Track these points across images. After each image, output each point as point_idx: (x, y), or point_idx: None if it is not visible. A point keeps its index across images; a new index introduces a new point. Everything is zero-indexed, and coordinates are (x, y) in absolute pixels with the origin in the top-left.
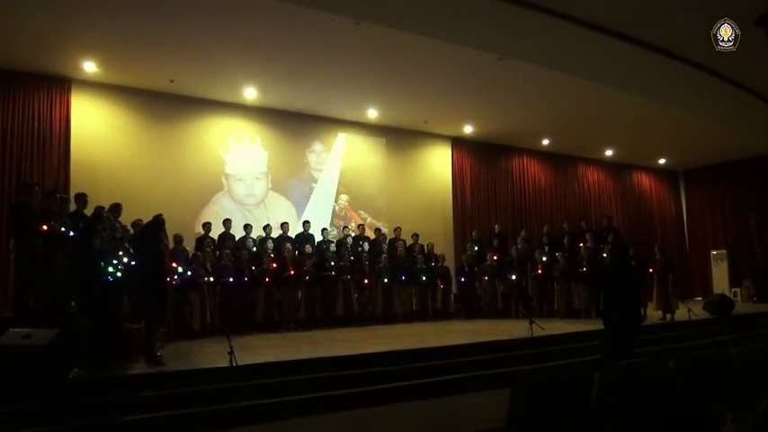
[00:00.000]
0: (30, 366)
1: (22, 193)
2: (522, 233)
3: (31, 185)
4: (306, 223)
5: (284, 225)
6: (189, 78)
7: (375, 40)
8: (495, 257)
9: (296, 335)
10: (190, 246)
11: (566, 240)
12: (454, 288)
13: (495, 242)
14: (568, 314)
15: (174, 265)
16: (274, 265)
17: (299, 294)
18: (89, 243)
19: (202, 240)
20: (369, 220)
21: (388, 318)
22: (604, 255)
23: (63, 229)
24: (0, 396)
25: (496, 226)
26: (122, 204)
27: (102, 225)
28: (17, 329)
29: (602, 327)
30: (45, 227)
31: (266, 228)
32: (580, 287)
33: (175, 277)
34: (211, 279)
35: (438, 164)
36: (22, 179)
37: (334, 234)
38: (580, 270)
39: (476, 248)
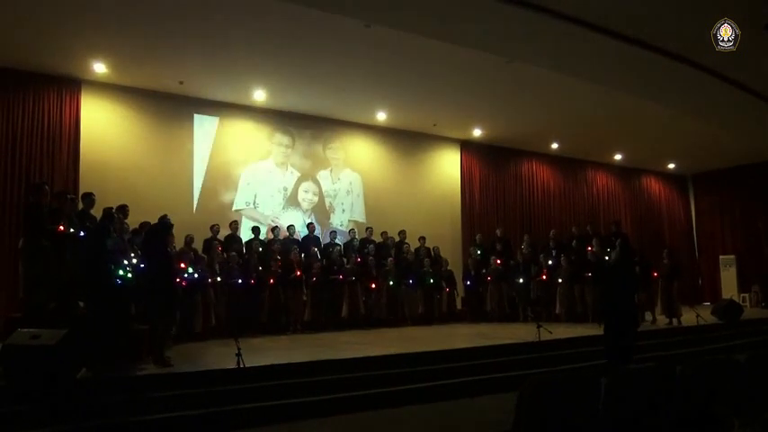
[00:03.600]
0: (38, 366)
1: (35, 193)
2: (526, 237)
3: (41, 185)
4: (310, 225)
5: (290, 227)
6: (198, 80)
7: (385, 43)
8: (499, 261)
9: (302, 337)
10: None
11: (573, 243)
12: (461, 291)
13: (499, 246)
14: (571, 318)
15: (182, 266)
16: (279, 264)
17: (306, 297)
18: (101, 244)
19: (210, 242)
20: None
21: (395, 321)
22: (606, 258)
23: (72, 229)
24: (8, 396)
25: (498, 230)
26: (131, 205)
27: (113, 226)
28: (25, 329)
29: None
30: (61, 227)
31: (274, 230)
32: (585, 291)
33: (185, 276)
34: (219, 279)
35: (447, 167)
36: (33, 179)
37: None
38: (585, 274)
39: (479, 252)
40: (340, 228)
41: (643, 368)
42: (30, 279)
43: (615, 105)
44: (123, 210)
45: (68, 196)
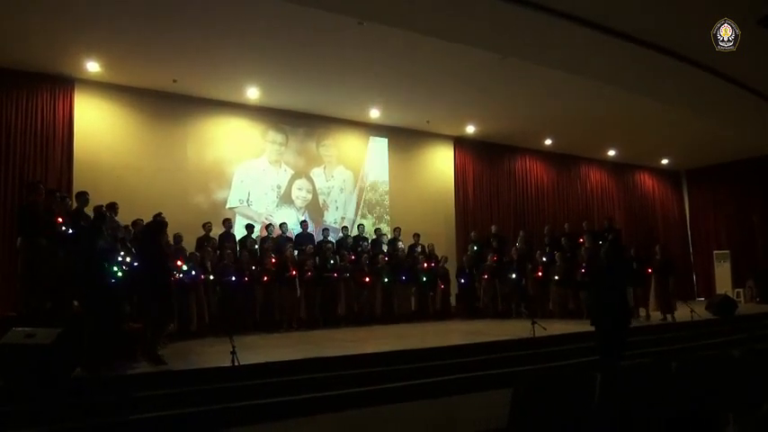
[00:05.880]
0: (33, 365)
1: (31, 192)
2: (521, 233)
3: (36, 184)
4: (303, 223)
5: (283, 225)
6: (192, 78)
7: (378, 39)
8: (495, 258)
9: (297, 334)
10: (190, 245)
11: (563, 241)
12: (456, 288)
13: (494, 243)
14: (564, 315)
15: (179, 263)
16: (273, 260)
17: (300, 294)
18: (93, 244)
19: (203, 240)
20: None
21: (388, 318)
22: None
23: (64, 228)
24: (3, 395)
25: (493, 227)
26: (125, 204)
27: (105, 226)
28: (20, 328)
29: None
30: (60, 219)
31: (268, 227)
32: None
33: (181, 275)
34: (211, 277)
35: (440, 164)
36: (26, 179)
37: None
38: (579, 271)
39: (475, 248)
40: (333, 225)
41: (638, 364)
42: (28, 278)
43: (608, 101)
44: (113, 207)
45: (58, 194)
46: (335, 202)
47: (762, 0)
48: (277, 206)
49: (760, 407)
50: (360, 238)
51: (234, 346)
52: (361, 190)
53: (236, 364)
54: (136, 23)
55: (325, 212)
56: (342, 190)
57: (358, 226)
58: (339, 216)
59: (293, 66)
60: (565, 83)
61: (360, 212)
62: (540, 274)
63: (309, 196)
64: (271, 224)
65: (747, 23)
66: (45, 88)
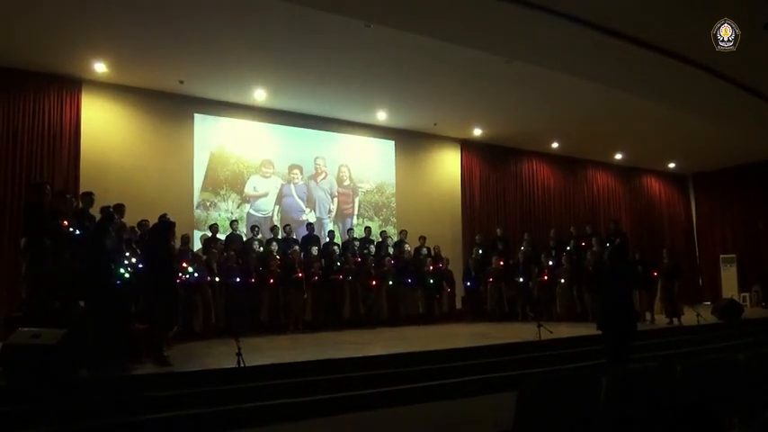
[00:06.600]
0: (38, 366)
1: (36, 193)
2: (526, 236)
3: (42, 185)
4: (309, 225)
5: (287, 227)
6: (198, 80)
7: (385, 42)
8: (501, 261)
9: (302, 336)
10: (196, 247)
11: (571, 244)
12: (462, 291)
13: (500, 245)
14: (570, 318)
15: (184, 265)
16: (278, 262)
17: (306, 296)
18: (100, 245)
19: (209, 242)
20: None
21: (394, 320)
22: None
23: (71, 228)
24: (8, 395)
25: (498, 230)
26: (131, 204)
27: (112, 227)
28: (26, 329)
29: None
30: (65, 222)
31: (273, 229)
32: (584, 290)
33: (186, 277)
34: (217, 279)
35: (447, 166)
36: (33, 179)
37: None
38: (586, 273)
39: (480, 251)
40: (331, 226)
41: (643, 368)
42: (32, 278)
43: (615, 104)
44: (120, 209)
45: (67, 195)
46: (336, 203)
47: (765, 2)
48: (282, 207)
49: (765, 411)
50: (366, 240)
51: (239, 348)
52: (365, 192)
53: (242, 365)
54: (143, 24)
55: (329, 214)
56: (345, 192)
57: (365, 228)
58: (341, 218)
59: (300, 68)
60: (572, 86)
61: (356, 214)
62: (545, 277)
63: (314, 198)
64: (276, 226)
65: (753, 26)
66: (52, 89)
